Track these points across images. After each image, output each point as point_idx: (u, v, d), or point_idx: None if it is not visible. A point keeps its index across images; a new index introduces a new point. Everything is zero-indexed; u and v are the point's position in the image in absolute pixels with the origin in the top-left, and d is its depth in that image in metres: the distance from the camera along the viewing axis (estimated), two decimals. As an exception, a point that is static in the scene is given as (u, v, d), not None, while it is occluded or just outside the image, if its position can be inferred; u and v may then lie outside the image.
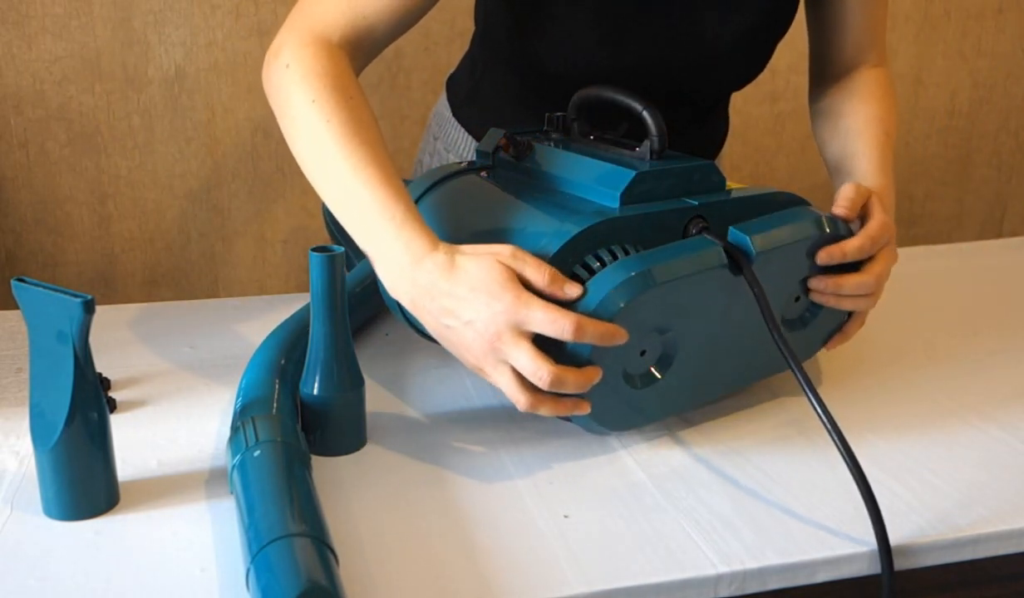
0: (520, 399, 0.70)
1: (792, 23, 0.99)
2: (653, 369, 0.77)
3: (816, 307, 0.85)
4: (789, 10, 0.98)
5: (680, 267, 0.73)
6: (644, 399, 0.77)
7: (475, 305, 0.70)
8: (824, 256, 0.81)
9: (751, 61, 1.00)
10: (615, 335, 0.70)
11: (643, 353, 0.75)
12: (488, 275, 0.70)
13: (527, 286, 0.70)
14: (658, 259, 0.73)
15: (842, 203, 0.85)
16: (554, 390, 0.69)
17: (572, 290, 0.71)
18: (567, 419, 0.77)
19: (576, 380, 0.69)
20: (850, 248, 0.82)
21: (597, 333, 0.69)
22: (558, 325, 0.68)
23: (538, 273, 0.70)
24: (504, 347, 0.69)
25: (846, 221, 0.84)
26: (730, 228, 0.78)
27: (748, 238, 0.77)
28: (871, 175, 0.93)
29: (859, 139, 0.97)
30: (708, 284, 0.75)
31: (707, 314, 0.77)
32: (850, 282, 0.83)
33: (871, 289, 0.84)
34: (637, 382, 0.76)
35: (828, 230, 0.82)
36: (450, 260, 0.72)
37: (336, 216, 0.77)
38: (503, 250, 0.72)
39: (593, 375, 0.70)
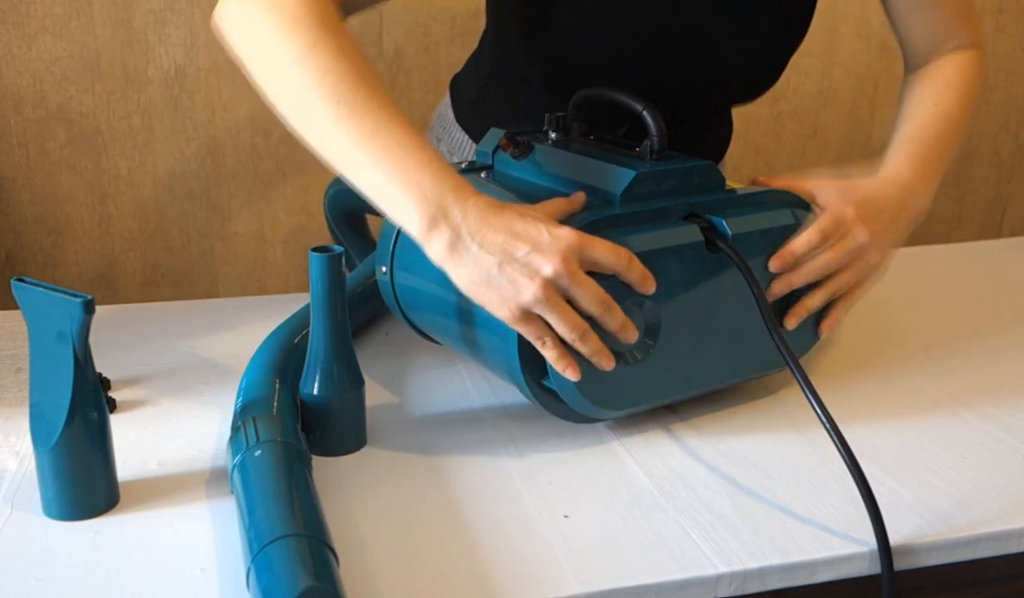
0: (560, 362, 0.71)
1: (806, 35, 0.98)
2: (638, 350, 0.77)
3: (795, 300, 0.84)
4: (804, 20, 0.97)
5: (654, 240, 0.75)
6: (633, 379, 0.77)
7: (537, 237, 0.68)
8: (776, 262, 0.80)
9: (765, 71, 0.99)
10: (648, 281, 0.73)
11: None
12: (545, 210, 0.72)
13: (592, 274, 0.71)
14: (634, 232, 0.75)
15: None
16: (601, 320, 0.71)
17: (649, 284, 0.73)
18: (558, 400, 0.76)
19: (618, 317, 0.72)
20: (798, 246, 0.80)
21: (639, 272, 0.72)
22: (616, 253, 0.70)
23: (612, 257, 0.71)
24: (567, 279, 0.68)
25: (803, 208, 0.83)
26: (706, 215, 0.80)
27: (723, 220, 0.78)
28: (893, 161, 0.92)
29: (905, 123, 0.96)
30: (686, 263, 0.77)
31: (690, 295, 0.78)
32: (797, 277, 0.81)
33: (817, 275, 0.82)
34: (624, 358, 0.76)
35: (802, 221, 0.82)
36: (499, 203, 0.71)
37: (352, 162, 0.71)
38: (568, 233, 0.70)
39: (630, 330, 0.73)
